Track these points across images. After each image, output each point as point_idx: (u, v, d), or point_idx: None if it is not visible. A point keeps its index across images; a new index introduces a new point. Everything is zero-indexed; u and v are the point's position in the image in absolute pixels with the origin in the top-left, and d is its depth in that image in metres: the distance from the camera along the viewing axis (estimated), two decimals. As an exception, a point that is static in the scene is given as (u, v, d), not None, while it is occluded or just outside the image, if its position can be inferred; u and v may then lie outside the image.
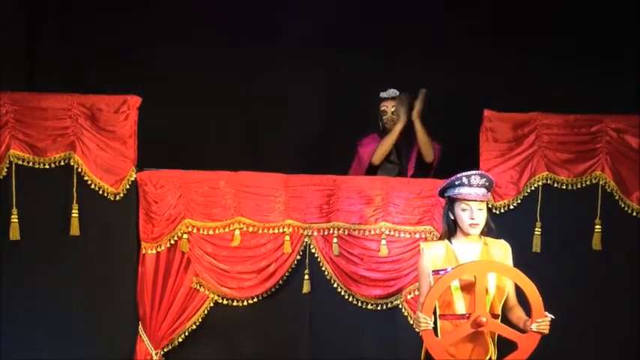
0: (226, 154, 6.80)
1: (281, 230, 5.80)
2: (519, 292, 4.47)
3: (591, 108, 5.96)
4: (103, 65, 6.80)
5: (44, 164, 5.62)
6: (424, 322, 4.31)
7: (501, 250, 4.58)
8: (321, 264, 5.82)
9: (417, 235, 5.78)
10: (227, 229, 5.75)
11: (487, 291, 4.41)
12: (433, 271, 4.52)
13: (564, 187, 5.80)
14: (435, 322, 4.44)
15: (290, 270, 5.81)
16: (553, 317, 4.35)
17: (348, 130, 6.93)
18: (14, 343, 5.61)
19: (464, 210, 4.50)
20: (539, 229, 5.75)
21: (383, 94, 6.40)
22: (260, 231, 5.79)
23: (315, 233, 5.82)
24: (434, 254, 4.57)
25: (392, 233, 5.78)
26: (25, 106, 5.60)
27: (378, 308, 5.81)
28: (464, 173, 4.51)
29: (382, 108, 6.40)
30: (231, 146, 7.04)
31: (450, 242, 4.59)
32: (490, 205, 5.63)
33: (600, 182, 5.79)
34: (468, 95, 6.70)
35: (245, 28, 7.03)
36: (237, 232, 5.75)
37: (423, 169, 6.31)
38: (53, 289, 5.64)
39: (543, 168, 5.79)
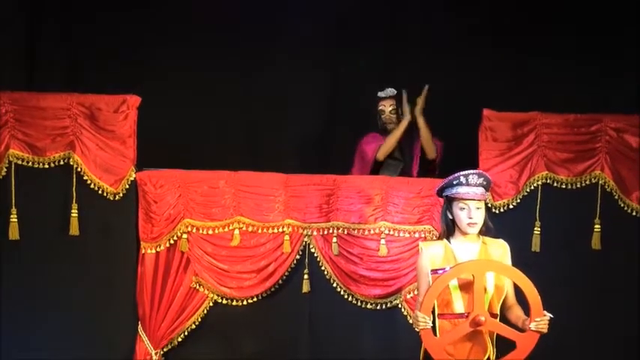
0: (226, 154, 6.81)
1: (280, 230, 5.80)
2: (518, 291, 4.47)
3: (591, 108, 5.96)
4: (103, 65, 6.81)
5: (43, 164, 5.63)
6: (423, 321, 4.31)
7: (500, 249, 4.57)
8: (320, 263, 5.82)
9: (417, 235, 5.78)
10: (226, 229, 5.76)
11: (485, 290, 4.41)
12: (432, 271, 4.51)
13: (564, 187, 5.80)
14: (434, 322, 4.44)
15: (289, 269, 5.82)
16: (552, 316, 4.34)
17: (348, 130, 6.93)
18: (14, 343, 5.61)
19: (462, 209, 4.50)
20: (539, 229, 5.76)
21: (381, 94, 6.43)
22: (259, 230, 5.79)
23: (315, 233, 5.82)
24: (432, 254, 4.57)
25: (391, 233, 5.78)
26: (24, 106, 5.60)
27: (378, 308, 5.81)
28: (461, 173, 4.51)
29: (380, 107, 6.45)
30: (231, 146, 7.04)
31: (449, 242, 4.59)
32: (490, 205, 5.64)
33: (600, 182, 5.79)
34: (468, 95, 6.70)
35: (245, 28, 7.03)
36: (236, 231, 5.75)
37: (426, 167, 6.33)
38: (53, 289, 5.65)
39: (543, 167, 5.79)
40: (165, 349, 5.77)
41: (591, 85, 6.81)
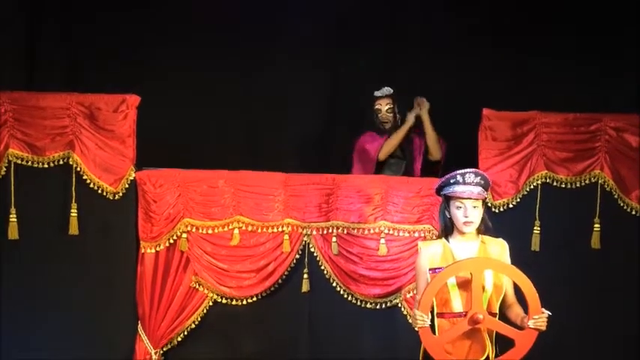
0: (226, 154, 6.80)
1: (280, 229, 5.80)
2: (518, 290, 4.47)
3: (591, 108, 5.97)
4: (103, 65, 6.80)
5: (43, 163, 5.63)
6: (420, 319, 4.31)
7: (498, 247, 4.57)
8: (320, 263, 5.82)
9: (416, 234, 5.78)
10: (226, 228, 5.76)
11: (484, 288, 4.41)
12: (430, 269, 4.52)
13: (563, 186, 5.80)
14: (433, 321, 4.44)
15: (289, 269, 5.82)
16: (550, 314, 4.34)
17: (348, 130, 6.91)
18: (14, 343, 5.61)
19: (458, 208, 4.50)
20: (539, 228, 5.75)
21: (377, 93, 6.46)
22: (259, 230, 5.79)
23: (315, 232, 5.82)
24: (431, 253, 4.57)
25: (391, 232, 5.79)
26: (23, 105, 5.61)
27: (377, 307, 5.82)
28: (458, 171, 4.52)
29: (376, 106, 6.47)
30: (231, 146, 7.03)
31: (448, 241, 4.59)
32: (489, 204, 5.64)
33: (599, 181, 5.79)
34: (468, 95, 6.69)
35: (245, 28, 7.03)
36: (236, 231, 5.75)
37: (431, 168, 6.34)
38: (53, 289, 5.65)
39: (542, 167, 5.79)
40: (164, 349, 5.77)
41: (591, 85, 6.81)
